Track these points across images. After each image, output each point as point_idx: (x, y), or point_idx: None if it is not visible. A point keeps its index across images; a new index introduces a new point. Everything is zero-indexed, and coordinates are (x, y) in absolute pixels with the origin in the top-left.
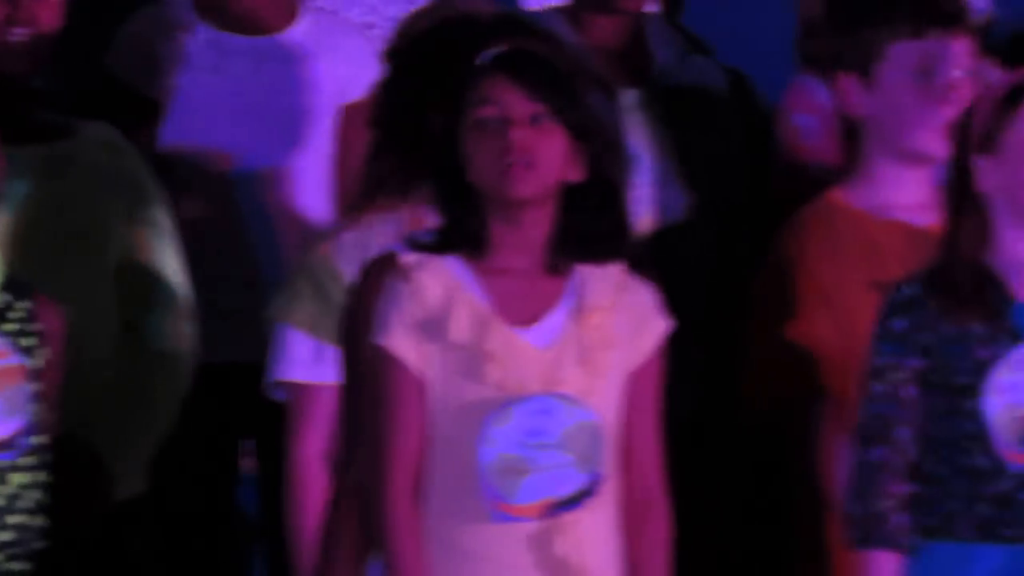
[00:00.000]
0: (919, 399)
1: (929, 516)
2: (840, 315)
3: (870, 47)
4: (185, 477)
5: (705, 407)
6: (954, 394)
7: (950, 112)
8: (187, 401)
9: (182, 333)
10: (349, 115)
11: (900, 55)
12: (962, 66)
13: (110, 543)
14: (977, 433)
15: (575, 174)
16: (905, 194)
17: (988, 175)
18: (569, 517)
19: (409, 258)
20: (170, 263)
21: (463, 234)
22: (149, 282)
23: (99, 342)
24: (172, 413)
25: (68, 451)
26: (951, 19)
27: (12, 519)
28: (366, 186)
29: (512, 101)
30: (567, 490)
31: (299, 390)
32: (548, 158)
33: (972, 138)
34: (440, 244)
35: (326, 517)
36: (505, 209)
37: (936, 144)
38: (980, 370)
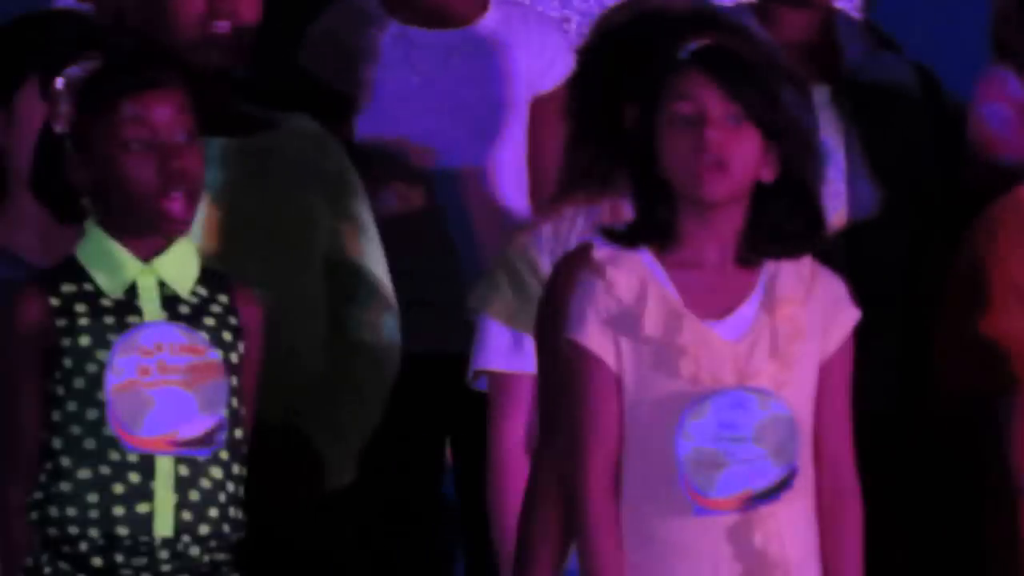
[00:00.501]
0: None
1: None
2: None
3: None
4: (392, 467)
5: (900, 400)
6: None
7: None
8: (393, 392)
9: (388, 325)
10: (541, 107)
11: None
12: None
13: (320, 533)
14: None
15: (768, 174)
16: None
17: None
18: (766, 509)
19: (602, 252)
20: (374, 256)
21: (654, 226)
22: (355, 275)
23: (307, 334)
24: (381, 404)
25: (280, 442)
26: None
27: (210, 512)
28: (564, 178)
29: (710, 99)
30: (764, 483)
31: (499, 380)
32: (742, 159)
33: None
34: (631, 236)
35: (523, 506)
36: (696, 206)
37: None
38: None
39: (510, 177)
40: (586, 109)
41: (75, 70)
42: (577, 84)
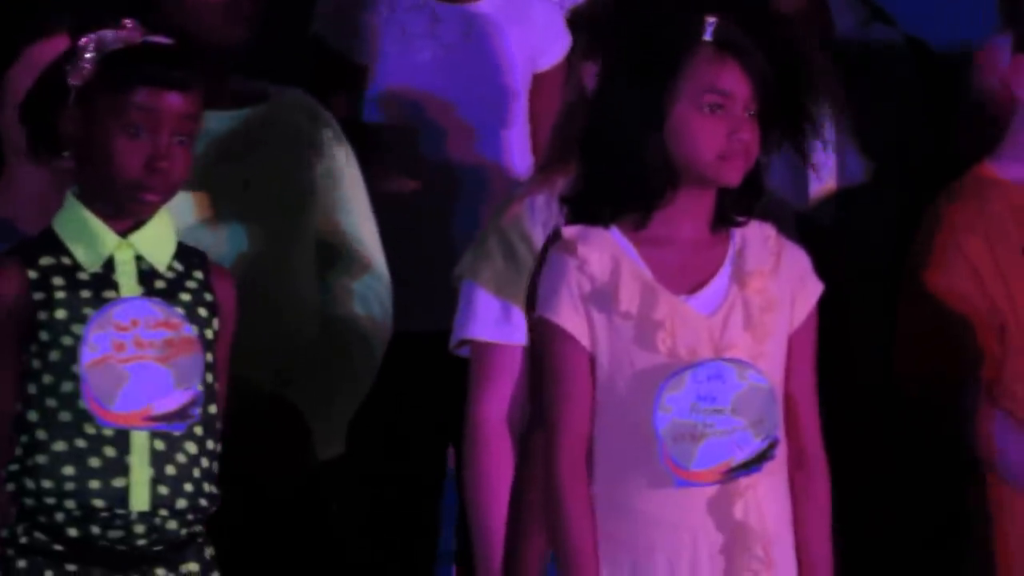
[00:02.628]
0: None
1: None
2: (992, 284)
3: None
4: (389, 441)
5: (886, 370)
6: None
7: None
8: (389, 366)
9: (377, 297)
10: (540, 83)
11: None
12: None
13: (311, 503)
14: None
15: None
16: None
17: None
18: (746, 481)
19: (571, 230)
20: (365, 228)
21: (642, 198)
22: (345, 247)
23: (299, 304)
24: (370, 375)
25: (272, 413)
26: None
27: (185, 486)
28: (555, 148)
29: (742, 94)
30: (744, 454)
31: (484, 350)
32: (757, 148)
33: None
34: (605, 213)
35: (513, 489)
36: (699, 185)
37: None
38: None
39: (512, 151)
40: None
41: (110, 34)
42: (571, 59)
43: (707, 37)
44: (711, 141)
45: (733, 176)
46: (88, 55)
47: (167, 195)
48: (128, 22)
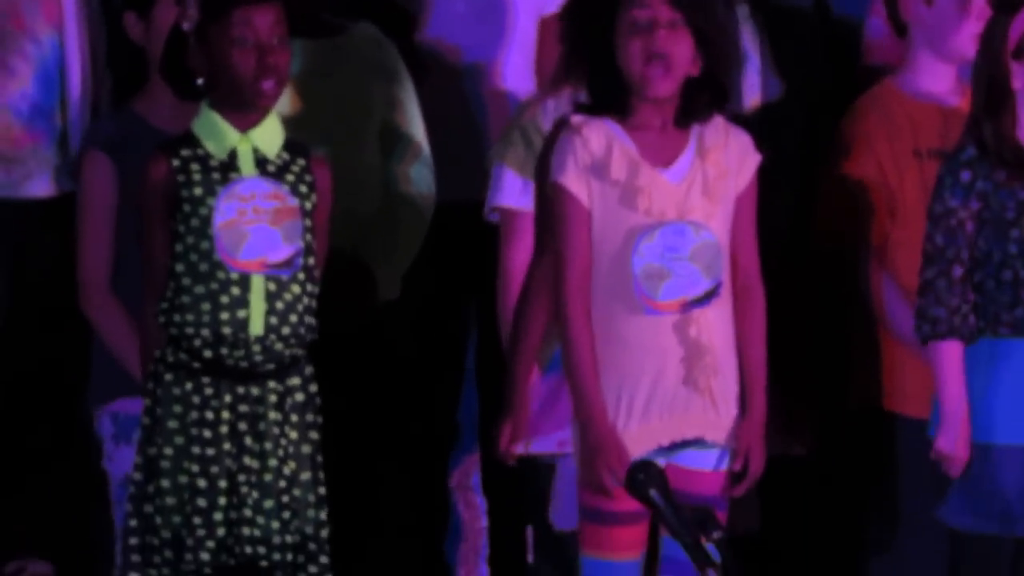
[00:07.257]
0: (974, 231)
1: (978, 319)
2: (891, 175)
3: None
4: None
5: (795, 233)
6: (1002, 225)
7: (979, 26)
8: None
9: (426, 179)
10: (546, 25)
11: None
12: None
13: (373, 335)
14: (1019, 252)
15: (695, 69)
16: (940, 83)
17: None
18: (699, 311)
19: (578, 118)
20: (417, 126)
21: (612, 105)
22: (403, 139)
23: (366, 188)
24: (420, 237)
25: (346, 266)
26: None
27: (291, 318)
28: (560, 70)
29: (660, 13)
30: (697, 292)
31: (510, 215)
32: (680, 59)
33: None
34: (598, 109)
35: (519, 297)
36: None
37: (969, 48)
38: (1022, 207)
39: (518, 73)
40: (576, 25)
41: None
42: (569, 7)
43: None
44: (633, 55)
45: (656, 86)
46: (192, 4)
47: (280, 84)
48: None
